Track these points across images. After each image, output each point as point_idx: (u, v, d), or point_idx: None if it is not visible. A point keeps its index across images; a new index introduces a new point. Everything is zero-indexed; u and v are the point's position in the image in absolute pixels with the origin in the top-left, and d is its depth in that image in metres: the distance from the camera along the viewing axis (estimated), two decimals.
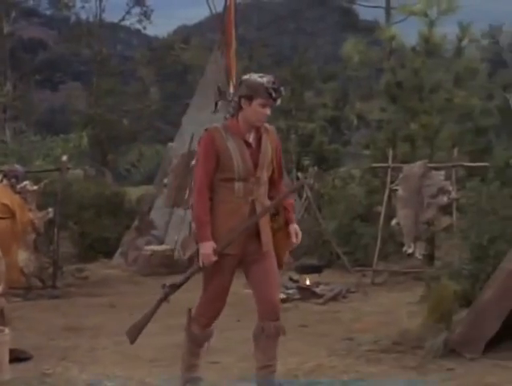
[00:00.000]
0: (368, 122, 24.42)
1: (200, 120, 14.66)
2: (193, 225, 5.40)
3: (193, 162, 14.37)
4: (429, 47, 16.59)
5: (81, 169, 23.16)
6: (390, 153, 13.48)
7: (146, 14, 38.78)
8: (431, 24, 16.10)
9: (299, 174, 14.00)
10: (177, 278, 5.45)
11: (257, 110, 5.14)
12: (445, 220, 12.37)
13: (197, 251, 5.23)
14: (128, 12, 39.19)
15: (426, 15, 16.13)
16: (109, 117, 32.90)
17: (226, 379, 6.18)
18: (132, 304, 10.11)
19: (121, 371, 6.66)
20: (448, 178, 12.25)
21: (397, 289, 11.33)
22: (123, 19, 39.91)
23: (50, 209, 11.40)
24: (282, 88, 5.23)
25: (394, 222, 12.27)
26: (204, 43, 36.08)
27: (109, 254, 14.68)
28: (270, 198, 5.34)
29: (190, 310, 5.53)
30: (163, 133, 38.16)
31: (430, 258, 12.50)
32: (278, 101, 5.23)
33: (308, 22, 64.20)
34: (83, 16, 38.42)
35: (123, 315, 9.33)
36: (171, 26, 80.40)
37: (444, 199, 11.93)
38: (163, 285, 5.47)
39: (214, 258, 5.12)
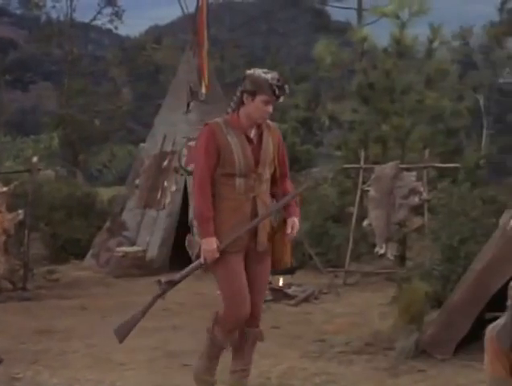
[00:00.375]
0: (340, 123, 24.46)
1: (172, 120, 14.64)
2: (195, 221, 5.33)
3: (165, 163, 14.43)
4: (400, 49, 16.67)
5: (52, 170, 23.01)
6: (362, 154, 13.53)
7: (118, 14, 38.59)
8: (403, 26, 16.16)
9: None
10: (174, 275, 5.37)
11: (259, 107, 5.03)
12: (417, 221, 12.45)
13: (199, 247, 5.15)
14: (99, 12, 38.98)
15: (397, 17, 16.18)
16: (81, 117, 32.70)
17: None
18: (104, 306, 10.06)
19: (92, 375, 6.61)
20: (419, 179, 12.31)
21: (369, 289, 11.37)
22: (94, 19, 39.70)
23: (20, 211, 11.28)
24: (286, 86, 5.09)
25: (365, 223, 12.31)
26: (176, 43, 35.99)
27: (80, 256, 14.57)
28: (272, 195, 5.26)
29: (217, 312, 5.37)
30: (135, 133, 38.04)
31: (401, 259, 12.57)
32: (282, 99, 5.11)
33: (280, 22, 64.33)
34: (53, 16, 38.17)
35: (95, 318, 9.28)
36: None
37: (416, 200, 11.99)
38: (159, 282, 5.34)
39: (217, 254, 5.02)
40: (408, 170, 12.55)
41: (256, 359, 6.88)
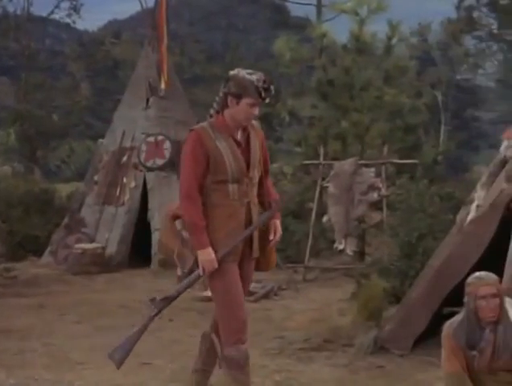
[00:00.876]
0: (300, 119, 24.54)
1: (131, 116, 14.56)
2: (185, 233, 4.90)
3: (124, 159, 14.34)
4: (359, 45, 16.76)
5: (9, 166, 22.75)
6: (322, 150, 13.57)
7: (76, 8, 38.11)
8: (362, 22, 16.25)
9: None
10: (169, 291, 5.00)
11: (245, 109, 4.83)
12: (375, 217, 12.53)
13: (195, 259, 4.84)
14: (57, 6, 38.49)
15: (356, 14, 16.26)
16: (39, 112, 32.27)
17: (157, 380, 6.11)
18: (62, 304, 9.97)
19: (50, 375, 6.54)
20: (378, 175, 12.39)
21: (328, 285, 11.42)
22: (52, 13, 39.19)
23: None
24: (272, 87, 4.92)
25: (325, 219, 12.36)
26: (135, 38, 35.75)
27: (38, 253, 14.43)
28: (259, 196, 5.04)
29: (211, 335, 5.06)
30: (93, 128, 37.72)
31: (360, 254, 12.65)
32: (267, 100, 4.92)
33: (240, 18, 64.28)
34: (10, 9, 37.61)
35: (53, 316, 9.20)
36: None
37: (374, 196, 12.07)
38: (153, 300, 5.00)
39: (216, 265, 4.73)
40: (367, 166, 12.63)
41: None
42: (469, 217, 7.09)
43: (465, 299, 4.60)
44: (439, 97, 33.69)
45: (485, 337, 4.54)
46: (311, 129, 18.95)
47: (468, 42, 36.80)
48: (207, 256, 4.73)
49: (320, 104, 18.46)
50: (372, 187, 12.13)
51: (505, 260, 6.15)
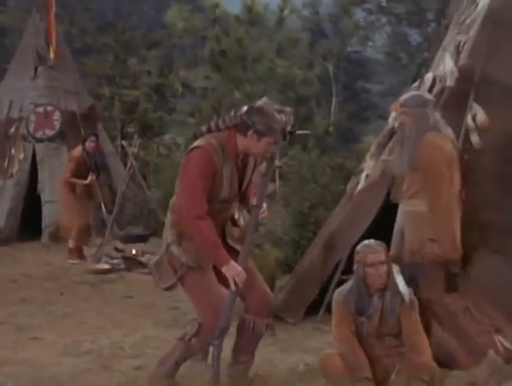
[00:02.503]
0: (193, 90, 24.45)
1: (19, 86, 14.13)
2: (201, 250, 4.63)
3: (12, 130, 13.93)
4: (252, 17, 16.81)
5: None
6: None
7: None
8: None
9: (124, 142, 13.79)
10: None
11: (264, 146, 4.61)
12: (268, 187, 12.62)
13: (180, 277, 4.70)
14: None
15: None
16: None
17: (48, 355, 6.00)
18: None
19: None
20: None
21: None
22: None
23: None
24: (294, 126, 4.68)
25: None
26: (22, 6, 34.60)
27: None
28: (241, 199, 4.88)
29: (199, 325, 4.77)
30: None
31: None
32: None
33: None
34: None
35: None
36: None
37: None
38: (210, 344, 4.63)
39: (245, 274, 4.56)
40: None
41: (108, 328, 6.86)
42: (359, 187, 7.24)
43: (355, 267, 4.71)
44: (331, 69, 34.13)
45: (373, 303, 4.67)
46: (204, 100, 18.96)
47: (359, 14, 37.37)
48: (234, 269, 4.55)
49: (213, 75, 18.46)
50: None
51: (393, 228, 6.30)
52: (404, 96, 5.71)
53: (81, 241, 11.04)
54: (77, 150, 11.07)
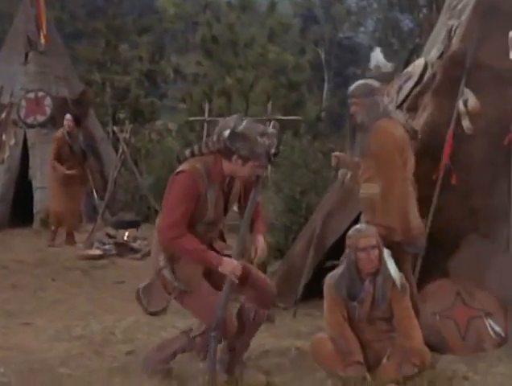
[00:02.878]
0: (184, 76, 24.38)
1: (10, 72, 14.07)
2: (189, 274, 4.65)
3: (3, 115, 13.87)
4: (243, 2, 16.75)
5: None
6: (207, 106, 13.54)
7: None
8: None
9: (115, 128, 13.77)
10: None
11: (249, 170, 4.60)
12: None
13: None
14: None
15: None
16: None
17: (40, 341, 6.00)
18: None
19: None
20: None
21: None
22: None
23: None
24: (279, 147, 4.71)
25: None
26: None
27: None
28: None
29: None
30: None
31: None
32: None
33: None
34: None
35: None
36: None
37: None
38: (210, 335, 4.61)
39: (240, 265, 4.59)
40: None
41: (100, 313, 6.86)
42: (350, 173, 7.24)
43: (346, 251, 4.72)
44: (322, 55, 34.09)
45: (364, 288, 4.68)
46: (195, 86, 18.90)
47: (350, 0, 37.30)
48: (229, 265, 4.57)
49: (204, 60, 18.40)
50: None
51: None
52: (352, 87, 5.74)
53: (58, 225, 11.04)
54: (60, 131, 11.09)
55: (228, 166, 4.61)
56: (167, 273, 4.69)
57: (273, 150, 4.59)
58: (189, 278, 4.66)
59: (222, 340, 4.77)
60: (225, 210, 4.80)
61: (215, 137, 4.62)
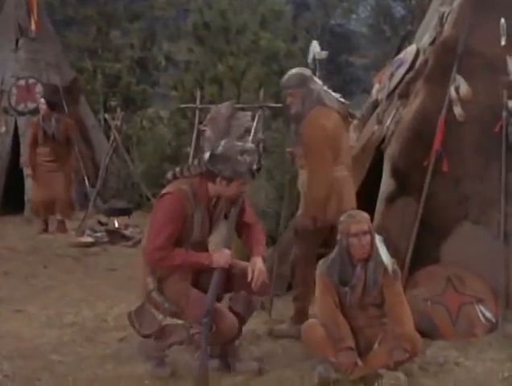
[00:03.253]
0: (176, 63, 24.29)
1: (1, 59, 13.99)
2: (178, 295, 4.69)
3: None
4: None
5: None
6: (198, 94, 13.49)
7: None
8: None
9: (107, 115, 13.72)
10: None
11: (235, 189, 4.68)
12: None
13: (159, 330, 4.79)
14: None
15: None
16: None
17: (32, 327, 6.01)
18: None
19: None
20: (254, 118, 12.44)
21: None
22: None
23: None
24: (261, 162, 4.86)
25: None
26: None
27: None
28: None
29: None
30: None
31: None
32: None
33: None
34: None
35: None
36: None
37: (250, 140, 12.11)
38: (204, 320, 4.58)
39: (229, 252, 4.70)
40: (243, 109, 12.65)
41: (91, 300, 6.88)
42: None
43: (338, 237, 4.72)
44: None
45: (356, 274, 4.69)
46: (187, 73, 18.83)
47: None
48: (220, 258, 4.65)
49: (196, 47, 18.32)
50: (248, 131, 12.18)
51: (376, 200, 6.32)
52: (284, 79, 5.79)
53: (39, 214, 11.04)
54: (36, 118, 11.10)
55: (213, 188, 4.69)
56: (156, 295, 4.75)
57: (255, 166, 4.68)
58: (178, 296, 4.70)
59: (227, 342, 4.83)
60: (211, 229, 4.84)
61: (196, 162, 4.75)
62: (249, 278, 4.71)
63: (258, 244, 4.88)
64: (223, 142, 4.71)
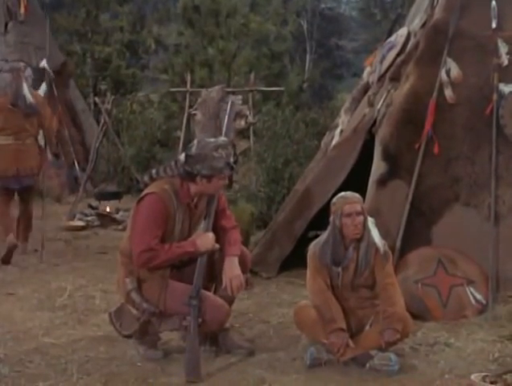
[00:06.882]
0: (166, 46, 24.22)
1: None
2: (157, 295, 4.65)
3: None
4: None
5: None
6: (188, 77, 13.46)
7: None
8: None
9: (97, 99, 13.68)
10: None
11: (215, 184, 4.66)
12: (243, 144, 12.62)
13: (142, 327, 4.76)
14: None
15: None
16: None
17: (22, 311, 6.00)
18: None
19: None
20: (244, 102, 12.43)
21: None
22: None
23: None
24: (237, 156, 4.77)
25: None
26: None
27: None
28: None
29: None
30: None
31: (228, 181, 12.74)
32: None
33: None
34: None
35: None
36: None
37: (242, 124, 12.12)
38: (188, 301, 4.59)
39: (213, 236, 4.67)
40: (234, 93, 12.63)
41: (83, 284, 6.86)
42: (333, 142, 7.25)
43: (331, 218, 4.73)
44: (305, 26, 33.92)
45: (348, 255, 4.69)
46: (177, 57, 18.77)
47: None
48: (204, 242, 4.64)
49: (186, 31, 18.26)
50: (239, 115, 12.17)
51: (367, 183, 6.34)
52: None
53: None
54: None
55: (194, 188, 4.66)
56: (135, 295, 4.70)
57: (231, 159, 4.65)
58: (158, 296, 4.67)
59: (222, 326, 4.81)
60: (190, 230, 4.79)
61: (173, 164, 4.67)
62: (223, 285, 4.67)
63: (233, 244, 4.80)
64: (195, 142, 4.69)
